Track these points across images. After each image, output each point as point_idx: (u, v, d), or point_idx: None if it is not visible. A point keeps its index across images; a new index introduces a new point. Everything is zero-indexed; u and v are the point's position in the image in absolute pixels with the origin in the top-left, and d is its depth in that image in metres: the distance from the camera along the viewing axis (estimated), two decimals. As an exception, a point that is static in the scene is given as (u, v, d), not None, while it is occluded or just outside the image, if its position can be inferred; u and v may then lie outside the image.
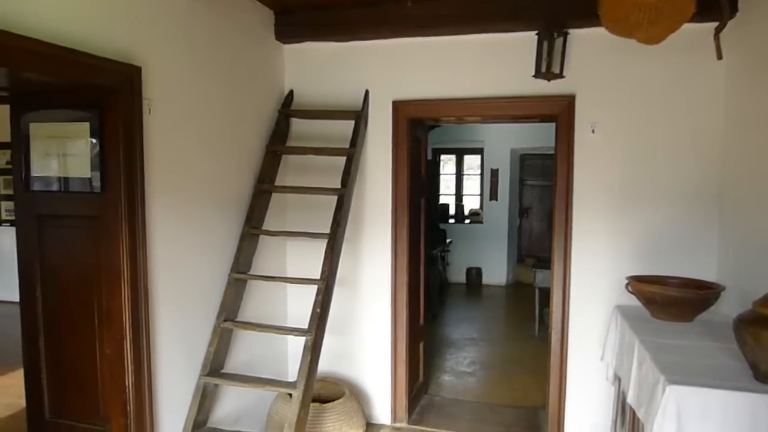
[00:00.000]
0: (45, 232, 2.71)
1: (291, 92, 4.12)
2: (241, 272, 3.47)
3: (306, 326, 3.22)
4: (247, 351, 3.64)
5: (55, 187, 2.64)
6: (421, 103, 3.94)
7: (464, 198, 10.48)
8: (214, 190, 3.32)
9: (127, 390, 2.65)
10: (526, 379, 5.15)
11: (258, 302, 3.74)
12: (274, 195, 3.87)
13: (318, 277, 3.34)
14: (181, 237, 3.02)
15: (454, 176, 10.51)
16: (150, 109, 2.73)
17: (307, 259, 3.95)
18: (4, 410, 4.21)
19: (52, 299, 2.76)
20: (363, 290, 4.17)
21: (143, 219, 2.68)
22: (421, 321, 4.61)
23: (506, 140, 9.38)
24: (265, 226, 3.77)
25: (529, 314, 7.04)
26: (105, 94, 2.53)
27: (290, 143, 4.11)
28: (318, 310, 3.25)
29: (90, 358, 2.70)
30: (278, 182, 3.96)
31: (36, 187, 2.67)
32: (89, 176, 2.57)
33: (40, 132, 2.62)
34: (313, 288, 3.32)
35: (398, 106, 3.98)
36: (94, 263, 2.64)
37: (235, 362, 3.49)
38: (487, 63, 3.79)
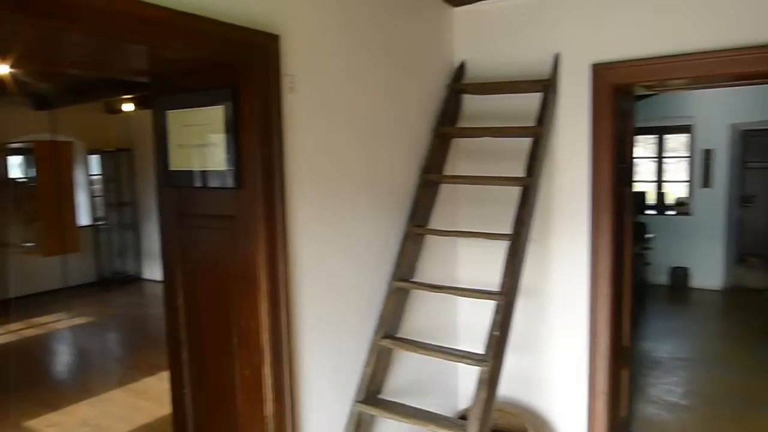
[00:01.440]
0: (184, 233, 2.40)
1: (462, 64, 3.45)
2: (403, 279, 2.91)
3: (480, 350, 2.56)
4: (409, 371, 3.08)
5: (191, 182, 2.30)
6: (632, 65, 3.00)
7: (666, 185, 8.90)
8: (370, 182, 2.79)
9: (266, 421, 2.23)
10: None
11: (422, 315, 3.16)
12: (442, 187, 3.25)
13: (496, 289, 2.65)
14: (330, 239, 2.53)
15: (654, 159, 8.96)
16: (292, 87, 2.26)
17: (483, 265, 3.27)
18: (158, 409, 4.18)
19: (193, 309, 2.45)
20: (551, 302, 3.37)
21: (284, 218, 2.23)
22: (626, 342, 3.67)
23: (724, 114, 7.68)
24: (432, 225, 3.17)
25: (762, 330, 5.56)
26: (238, 70, 2.11)
27: (461, 125, 3.45)
28: (496, 333, 2.56)
29: (229, 379, 2.34)
30: (447, 171, 3.33)
31: (174, 182, 2.36)
32: (224, 169, 2.18)
33: (177, 120, 2.29)
34: (490, 302, 2.65)
35: (599, 71, 3.08)
36: (231, 271, 2.25)
37: (395, 385, 2.96)
38: None
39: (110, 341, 6.12)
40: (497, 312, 2.60)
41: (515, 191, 2.87)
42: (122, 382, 4.70)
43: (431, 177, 3.13)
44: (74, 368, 5.21)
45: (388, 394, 2.87)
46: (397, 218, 2.98)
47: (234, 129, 2.13)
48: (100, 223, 8.83)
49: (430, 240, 3.18)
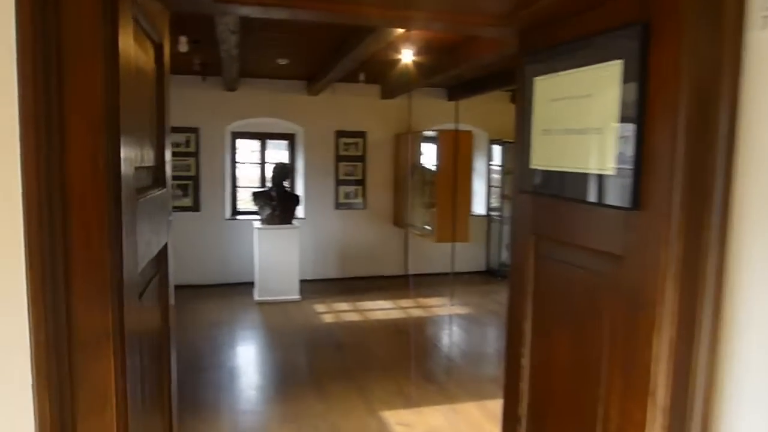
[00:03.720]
0: (539, 263, 1.58)
1: None
2: None
3: None
4: None
5: (555, 189, 1.46)
6: None
7: None
8: None
9: None
10: None
11: None
12: None
13: None
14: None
15: None
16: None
17: None
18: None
19: (541, 370, 1.63)
20: None
21: (720, 277, 1.17)
22: None
23: None
24: None
25: None
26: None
27: None
28: None
29: None
30: None
31: (533, 186, 1.56)
32: (611, 173, 1.26)
33: (544, 92, 1.47)
34: None
35: None
36: (601, 340, 1.33)
37: None
38: None
39: (482, 340, 5.86)
40: None
41: None
42: (479, 395, 4.26)
43: None
44: (438, 364, 5.07)
45: None
46: None
47: (639, 101, 1.18)
48: (494, 213, 8.81)
49: None
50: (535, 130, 1.49)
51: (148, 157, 1.31)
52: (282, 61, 5.71)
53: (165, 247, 1.52)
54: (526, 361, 1.69)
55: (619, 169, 1.23)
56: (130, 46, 1.04)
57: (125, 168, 1.05)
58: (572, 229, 1.39)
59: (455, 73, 6.00)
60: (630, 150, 1.20)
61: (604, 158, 1.26)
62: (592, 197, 1.33)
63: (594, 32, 1.27)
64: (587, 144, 1.32)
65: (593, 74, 1.25)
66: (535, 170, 1.52)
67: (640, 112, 1.17)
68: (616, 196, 1.24)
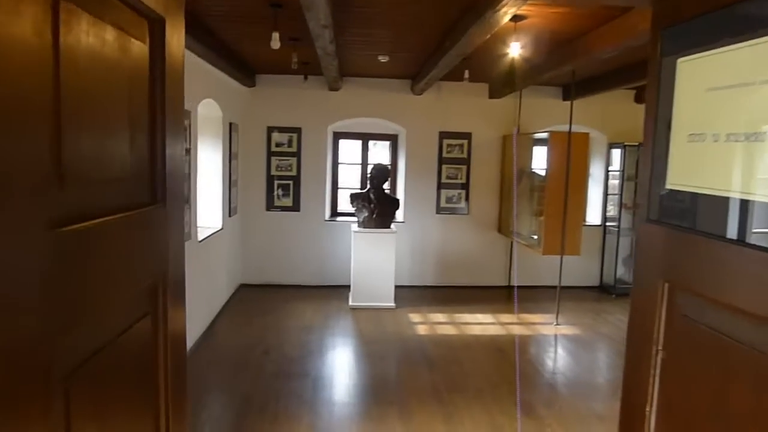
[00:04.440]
0: (672, 324, 1.13)
1: None
2: None
3: None
4: None
5: (708, 222, 1.01)
6: None
7: None
8: None
9: None
10: None
11: None
12: None
13: None
14: None
15: None
16: None
17: None
18: None
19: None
20: None
21: None
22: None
23: None
24: None
25: None
26: None
27: None
28: None
29: None
30: None
31: (669, 214, 1.12)
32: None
33: (693, 78, 1.03)
34: None
35: None
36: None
37: None
38: None
39: (590, 368, 5.23)
40: None
41: None
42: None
43: None
44: (539, 393, 4.54)
45: None
46: None
47: None
48: (610, 224, 8.00)
49: None
50: (676, 134, 1.04)
51: (121, 163, 1.02)
52: (383, 59, 5.46)
53: (164, 276, 1.22)
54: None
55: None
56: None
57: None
58: (734, 284, 0.93)
59: (570, 68, 5.42)
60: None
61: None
62: (760, 241, 0.88)
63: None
64: (760, 155, 0.87)
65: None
66: (672, 192, 1.07)
67: None
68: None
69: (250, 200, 7.49)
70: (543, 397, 4.34)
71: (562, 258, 6.10)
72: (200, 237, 5.44)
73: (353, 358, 5.11)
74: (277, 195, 7.52)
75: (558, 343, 5.66)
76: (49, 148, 0.78)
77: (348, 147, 8.10)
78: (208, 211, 6.18)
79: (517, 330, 5.98)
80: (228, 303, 6.65)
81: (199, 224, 5.91)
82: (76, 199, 0.87)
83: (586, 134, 6.19)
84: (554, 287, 6.36)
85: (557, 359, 5.29)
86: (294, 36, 4.68)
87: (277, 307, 6.56)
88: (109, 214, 0.97)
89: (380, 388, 4.40)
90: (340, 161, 8.02)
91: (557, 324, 6.14)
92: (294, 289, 7.43)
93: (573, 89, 5.94)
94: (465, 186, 7.75)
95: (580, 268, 7.61)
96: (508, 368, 4.84)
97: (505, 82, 6.78)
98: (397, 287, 6.80)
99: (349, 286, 6.77)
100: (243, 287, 7.45)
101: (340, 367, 4.84)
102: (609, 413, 4.02)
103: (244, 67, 6.53)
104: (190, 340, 5.04)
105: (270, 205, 7.53)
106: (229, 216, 6.64)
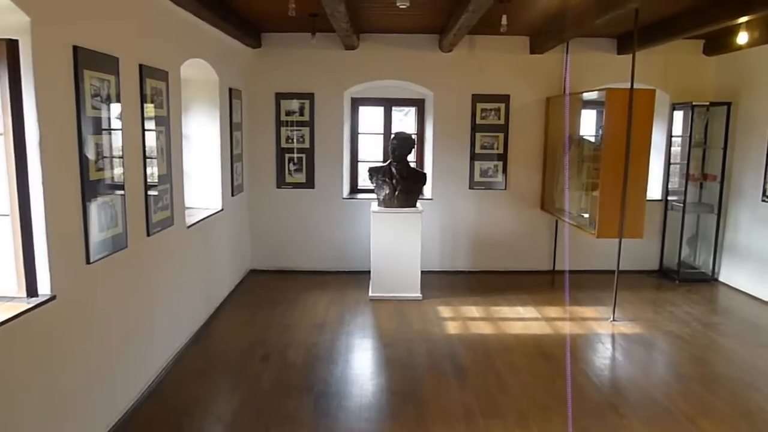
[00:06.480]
0: None
1: None
2: None
3: None
4: None
5: None
6: None
7: None
8: None
9: None
10: None
11: None
12: None
13: None
14: None
15: None
16: None
17: None
18: None
19: None
20: None
21: None
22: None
23: None
24: None
25: None
26: None
27: None
28: None
29: None
30: None
31: None
32: None
33: None
34: None
35: None
36: None
37: None
38: None
39: (659, 377, 4.26)
40: None
41: None
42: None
43: None
44: (595, 414, 3.60)
45: None
46: None
47: None
48: (672, 198, 6.89)
49: None
50: None
51: None
52: (402, 4, 4.47)
53: None
54: None
55: None
56: None
57: None
58: None
59: (632, 7, 4.34)
60: None
61: None
62: None
63: None
64: None
65: None
66: None
67: None
68: None
69: (257, 177, 6.67)
70: (600, 419, 3.41)
71: (620, 242, 5.08)
72: (191, 221, 4.65)
73: (367, 367, 4.27)
74: (289, 170, 6.68)
75: (617, 345, 4.70)
76: None
77: (368, 114, 7.17)
78: (204, 190, 5.38)
79: (566, 328, 5.03)
80: (232, 293, 5.90)
81: (190, 206, 5.12)
82: None
83: (652, 91, 5.10)
84: (606, 272, 5.36)
85: (616, 366, 4.33)
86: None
87: (286, 299, 5.77)
88: None
89: (398, 405, 3.57)
90: (360, 131, 7.11)
91: (614, 320, 5.16)
92: (309, 276, 6.63)
93: (635, 35, 4.84)
94: (502, 157, 6.75)
95: (637, 250, 6.56)
96: (557, 382, 3.92)
97: (551, 34, 5.70)
98: (424, 273, 5.92)
99: (370, 273, 5.92)
100: (252, 273, 6.69)
101: (351, 379, 4.00)
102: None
103: (244, 23, 5.63)
104: (176, 345, 4.28)
105: (281, 182, 6.70)
106: (232, 195, 5.84)
